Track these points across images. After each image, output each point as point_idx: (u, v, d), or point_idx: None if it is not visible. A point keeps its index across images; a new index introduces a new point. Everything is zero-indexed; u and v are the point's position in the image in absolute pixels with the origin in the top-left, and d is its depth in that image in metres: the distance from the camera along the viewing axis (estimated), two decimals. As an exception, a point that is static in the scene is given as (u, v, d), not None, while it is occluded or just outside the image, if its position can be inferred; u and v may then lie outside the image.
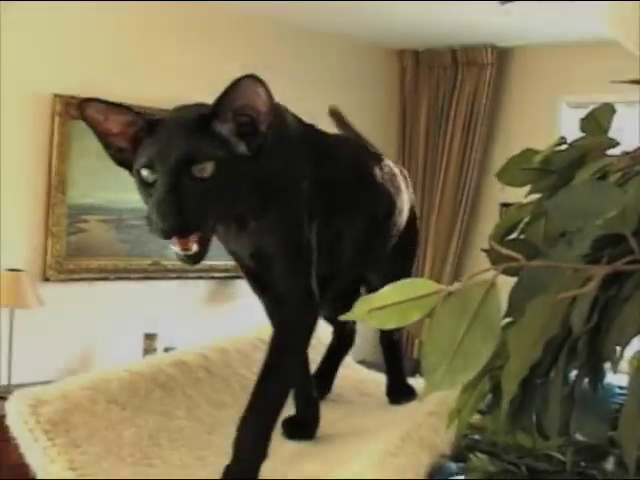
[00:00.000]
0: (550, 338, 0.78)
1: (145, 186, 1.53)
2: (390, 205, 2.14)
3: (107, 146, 1.64)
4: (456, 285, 0.76)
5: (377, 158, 2.23)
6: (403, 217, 2.26)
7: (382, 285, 0.80)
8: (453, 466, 1.35)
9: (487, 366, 0.78)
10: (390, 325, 0.76)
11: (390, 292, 0.77)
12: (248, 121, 1.53)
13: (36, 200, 5.13)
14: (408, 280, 0.78)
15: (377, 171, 2.10)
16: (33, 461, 1.38)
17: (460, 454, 1.33)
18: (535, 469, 1.27)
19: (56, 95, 5.12)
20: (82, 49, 5.23)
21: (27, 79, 5.04)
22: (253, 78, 1.49)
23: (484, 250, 1.14)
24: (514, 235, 1.22)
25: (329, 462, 1.33)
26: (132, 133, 1.59)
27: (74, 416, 1.35)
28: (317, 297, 1.70)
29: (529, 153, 1.22)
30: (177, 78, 5.58)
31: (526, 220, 1.21)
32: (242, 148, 1.54)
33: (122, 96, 5.35)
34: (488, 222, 6.64)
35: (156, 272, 5.47)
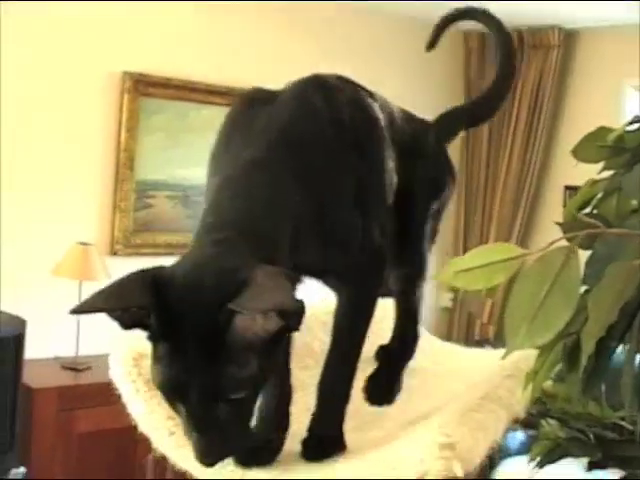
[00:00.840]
0: (625, 303, 0.82)
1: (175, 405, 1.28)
2: None
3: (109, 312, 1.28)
4: (539, 250, 0.81)
5: None
6: None
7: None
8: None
9: (564, 330, 0.83)
10: (476, 286, 0.81)
11: (476, 255, 0.81)
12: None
13: (105, 176, 5.23)
14: (493, 244, 0.82)
15: None
16: (134, 411, 1.47)
17: (531, 421, 1.37)
18: (604, 438, 1.31)
19: (126, 72, 5.20)
20: (152, 26, 5.30)
21: (97, 57, 5.12)
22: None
23: (558, 223, 1.18)
24: (587, 210, 1.25)
25: (410, 418, 1.39)
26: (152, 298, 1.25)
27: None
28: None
29: (604, 131, 1.25)
30: (245, 56, 5.64)
31: (599, 196, 1.24)
32: (273, 323, 1.23)
33: (190, 74, 5.48)
34: (552, 205, 6.64)
35: None
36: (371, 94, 1.76)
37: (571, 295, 0.78)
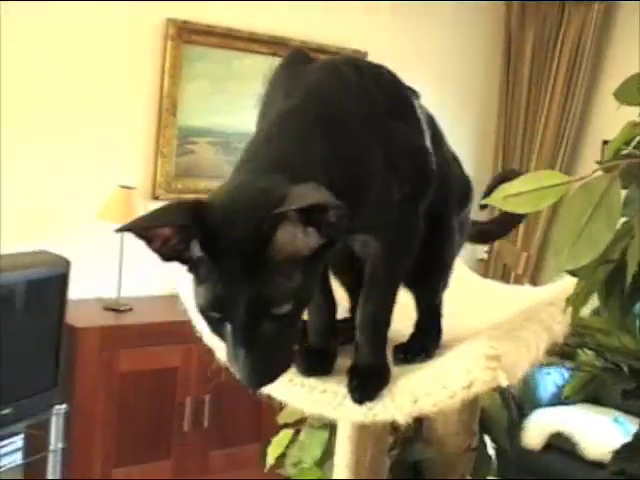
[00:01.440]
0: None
1: (218, 327, 1.29)
2: None
3: (149, 242, 1.29)
4: (583, 177, 0.87)
5: None
6: None
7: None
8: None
9: (604, 254, 0.89)
10: (524, 209, 0.87)
11: (524, 181, 0.88)
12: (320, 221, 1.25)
13: (148, 121, 5.29)
14: (540, 171, 0.88)
15: None
16: (199, 327, 1.56)
17: (568, 353, 1.44)
18: (637, 370, 1.38)
19: (169, 19, 5.24)
20: None
21: (140, 3, 5.17)
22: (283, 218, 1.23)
23: (597, 162, 1.23)
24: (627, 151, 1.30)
25: (460, 333, 1.47)
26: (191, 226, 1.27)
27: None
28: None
29: (646, 75, 1.30)
30: (288, 6, 5.66)
31: (639, 138, 1.29)
32: (313, 239, 1.26)
33: (234, 22, 5.51)
34: (589, 159, 6.64)
35: None
36: (414, 91, 1.73)
37: (612, 219, 0.84)
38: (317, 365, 1.56)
